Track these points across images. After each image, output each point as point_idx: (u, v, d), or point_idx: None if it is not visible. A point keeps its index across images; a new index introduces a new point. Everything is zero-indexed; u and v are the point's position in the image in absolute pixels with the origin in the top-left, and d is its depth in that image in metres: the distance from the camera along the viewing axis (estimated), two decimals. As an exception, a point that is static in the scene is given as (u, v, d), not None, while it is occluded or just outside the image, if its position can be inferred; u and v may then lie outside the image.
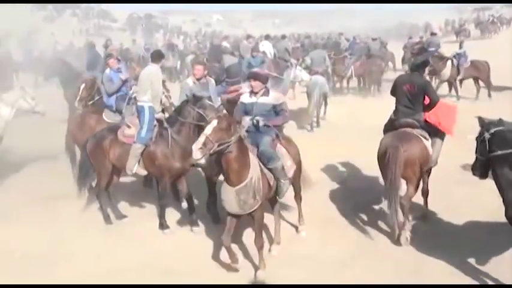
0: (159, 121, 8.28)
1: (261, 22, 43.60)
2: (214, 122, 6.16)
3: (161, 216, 8.32)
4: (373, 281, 6.64)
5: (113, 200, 8.90)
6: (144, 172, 8.24)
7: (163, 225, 8.27)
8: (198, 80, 8.68)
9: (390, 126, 8.03)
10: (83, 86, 10.63)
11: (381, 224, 8.24)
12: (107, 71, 10.25)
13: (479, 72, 17.82)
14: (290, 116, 9.45)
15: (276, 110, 7.23)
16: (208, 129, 6.12)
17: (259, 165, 6.70)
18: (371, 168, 8.70)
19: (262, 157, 6.82)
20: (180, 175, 8.31)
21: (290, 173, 7.22)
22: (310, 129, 14.54)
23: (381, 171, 7.77)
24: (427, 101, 7.83)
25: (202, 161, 6.11)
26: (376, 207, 8.86)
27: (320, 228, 8.12)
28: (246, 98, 7.32)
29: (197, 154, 5.99)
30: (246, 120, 7.08)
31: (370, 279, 6.71)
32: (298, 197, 8.01)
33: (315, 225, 8.17)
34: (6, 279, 6.74)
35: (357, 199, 9.22)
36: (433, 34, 21.06)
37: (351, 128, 13.83)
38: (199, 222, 8.37)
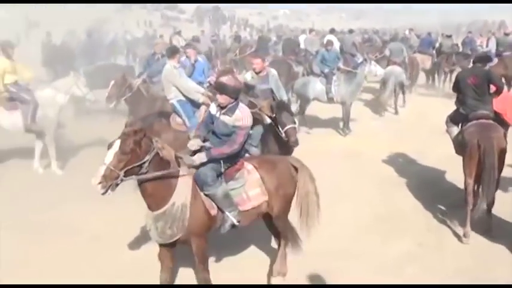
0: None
1: (328, 16, 43.30)
2: (116, 145, 5.04)
3: None
4: (431, 279, 6.39)
5: None
6: None
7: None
8: (257, 73, 8.62)
9: (459, 119, 7.88)
10: (112, 83, 10.73)
11: (447, 220, 7.95)
12: (183, 59, 10.27)
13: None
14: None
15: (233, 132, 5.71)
16: (109, 157, 5.03)
17: (196, 188, 5.58)
18: (438, 163, 8.41)
19: (197, 181, 5.60)
20: None
21: (249, 204, 5.84)
22: (382, 114, 15.19)
23: (466, 163, 7.45)
24: (492, 89, 7.69)
25: (108, 193, 5.04)
26: (443, 203, 8.54)
27: (384, 223, 7.90)
28: (212, 108, 5.97)
29: (99, 189, 4.98)
30: (193, 143, 5.83)
31: (428, 277, 6.44)
32: (280, 238, 6.42)
33: (378, 220, 7.96)
34: (77, 259, 6.78)
35: (423, 194, 8.93)
36: (506, 34, 20.15)
37: (420, 123, 13.64)
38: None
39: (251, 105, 7.76)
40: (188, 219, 5.41)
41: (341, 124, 13.45)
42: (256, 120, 7.87)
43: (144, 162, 5.14)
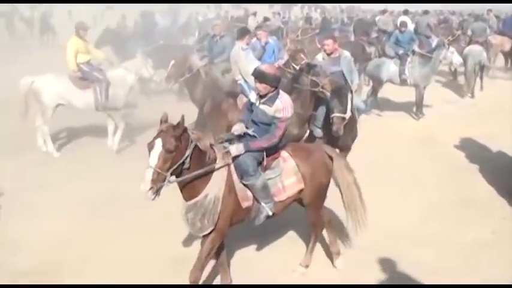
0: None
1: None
2: (158, 145, 4.76)
3: None
4: (504, 268, 6.17)
5: None
6: None
7: None
8: (328, 54, 8.50)
9: None
10: (172, 63, 10.77)
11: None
12: (254, 41, 10.28)
13: None
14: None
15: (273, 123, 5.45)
16: (153, 158, 4.75)
17: (231, 179, 5.34)
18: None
19: (236, 169, 5.39)
20: (297, 141, 8.22)
21: (284, 194, 5.60)
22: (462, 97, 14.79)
23: None
24: None
25: (156, 199, 4.82)
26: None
27: (456, 209, 7.70)
28: (253, 95, 5.92)
29: (149, 195, 4.73)
30: (238, 129, 5.59)
31: (502, 266, 6.20)
32: (313, 228, 6.15)
33: (450, 206, 7.75)
34: (149, 234, 6.95)
35: (497, 181, 8.56)
36: None
37: (496, 108, 13.11)
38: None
39: (313, 84, 7.73)
40: (219, 213, 5.19)
41: (414, 108, 13.14)
42: (320, 100, 7.85)
43: (186, 158, 4.92)
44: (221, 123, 8.64)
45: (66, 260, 6.40)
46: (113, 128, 10.65)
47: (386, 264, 6.23)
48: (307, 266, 6.17)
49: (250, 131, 5.48)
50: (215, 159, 5.23)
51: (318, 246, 6.48)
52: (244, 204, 5.39)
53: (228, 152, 5.32)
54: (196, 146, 4.99)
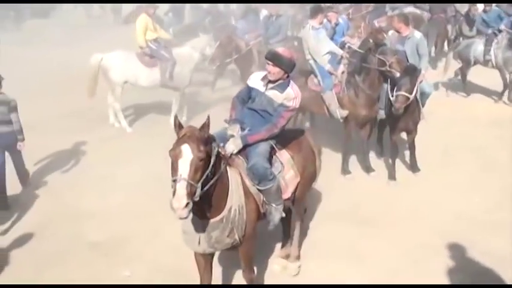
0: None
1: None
2: (187, 152, 4.08)
3: (344, 160, 8.34)
4: None
5: None
6: (345, 113, 8.18)
7: (345, 171, 8.30)
8: (400, 32, 8.36)
9: None
10: (217, 43, 10.66)
11: None
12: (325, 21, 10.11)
13: None
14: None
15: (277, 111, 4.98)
16: (184, 169, 4.05)
17: (245, 184, 4.80)
18: None
19: (252, 174, 4.84)
20: (365, 122, 8.29)
21: (288, 191, 5.20)
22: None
23: None
24: None
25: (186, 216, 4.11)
26: None
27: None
28: (254, 80, 5.17)
29: (184, 214, 4.01)
30: (234, 128, 5.00)
31: None
32: (296, 218, 5.77)
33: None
34: None
35: None
36: None
37: None
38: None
39: (380, 63, 7.59)
40: (245, 222, 4.70)
41: (505, 91, 12.39)
42: (386, 80, 7.70)
43: (213, 166, 4.29)
44: None
45: (137, 232, 6.60)
46: (177, 106, 10.80)
47: (456, 250, 6.07)
48: (298, 258, 5.86)
49: (246, 131, 4.98)
50: (227, 165, 4.67)
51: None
52: (262, 206, 4.95)
53: (233, 159, 4.82)
54: (218, 150, 4.45)
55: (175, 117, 4.35)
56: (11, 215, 7.15)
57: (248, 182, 4.82)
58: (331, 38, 9.51)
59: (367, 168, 8.38)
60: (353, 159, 8.68)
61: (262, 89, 5.01)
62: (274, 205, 5.00)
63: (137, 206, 7.20)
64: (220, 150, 4.50)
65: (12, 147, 7.51)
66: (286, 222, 5.78)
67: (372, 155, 8.77)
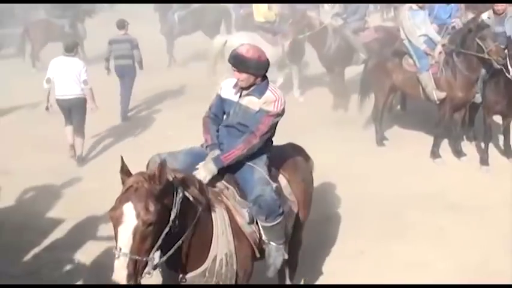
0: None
1: None
2: (130, 215, 3.00)
3: (434, 144, 8.10)
4: None
5: (382, 122, 8.92)
6: (443, 95, 7.95)
7: (435, 154, 8.05)
8: (498, 14, 7.95)
9: None
10: (290, 21, 10.69)
11: None
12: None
13: None
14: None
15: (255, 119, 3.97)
16: (124, 239, 2.99)
17: (236, 223, 3.82)
18: None
19: (258, 208, 3.87)
20: (461, 105, 8.01)
21: (287, 226, 4.22)
22: None
23: None
24: None
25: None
26: None
27: None
28: (226, 89, 4.16)
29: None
30: (214, 154, 3.96)
31: None
32: (295, 248, 4.76)
33: None
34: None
35: None
36: None
37: None
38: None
39: (478, 49, 7.33)
40: (236, 272, 3.75)
41: None
42: (483, 65, 7.49)
43: (175, 219, 3.24)
44: (385, 83, 8.56)
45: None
46: (298, 79, 11.17)
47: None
48: None
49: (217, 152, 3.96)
50: (209, 204, 3.65)
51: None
52: (257, 248, 3.98)
53: (220, 190, 3.89)
54: (185, 197, 3.36)
55: (122, 161, 3.23)
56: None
57: (240, 220, 3.85)
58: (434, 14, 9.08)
59: (458, 153, 8.11)
60: (443, 143, 8.41)
61: (235, 98, 4.05)
62: (275, 244, 4.05)
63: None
64: (190, 193, 3.43)
65: (130, 77, 10.09)
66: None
67: (464, 140, 8.51)
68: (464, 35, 7.70)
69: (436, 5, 8.81)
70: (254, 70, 3.88)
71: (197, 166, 3.88)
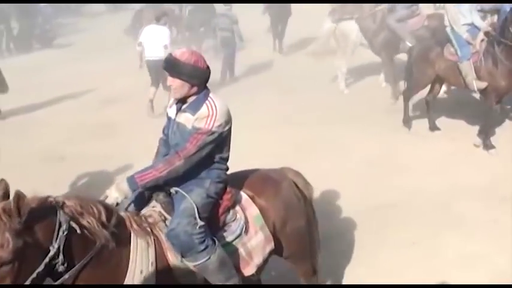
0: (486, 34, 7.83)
1: None
2: None
3: (487, 135, 7.94)
4: None
5: (431, 111, 8.79)
6: (483, 85, 7.81)
7: (488, 146, 7.86)
8: None
9: None
10: (330, 10, 10.86)
11: None
12: None
13: None
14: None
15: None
16: None
17: (167, 260, 3.38)
18: None
19: (170, 246, 3.38)
20: (505, 94, 7.93)
21: (252, 264, 3.69)
22: None
23: None
24: None
25: None
26: None
27: None
28: (171, 106, 3.71)
29: None
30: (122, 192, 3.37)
31: None
32: (309, 280, 4.31)
33: None
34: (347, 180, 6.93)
35: None
36: None
37: None
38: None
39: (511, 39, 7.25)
40: None
41: None
42: None
43: (55, 256, 2.84)
44: (427, 72, 8.44)
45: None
46: (344, 72, 11.21)
47: None
48: None
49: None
50: (121, 236, 3.16)
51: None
52: None
53: (154, 222, 3.42)
54: (72, 228, 2.92)
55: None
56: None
57: (172, 257, 3.38)
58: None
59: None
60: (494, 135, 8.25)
61: (174, 115, 3.59)
62: (222, 284, 3.51)
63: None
64: (83, 225, 2.97)
65: (232, 47, 12.18)
66: None
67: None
68: (503, 25, 7.56)
69: None
70: (187, 77, 3.38)
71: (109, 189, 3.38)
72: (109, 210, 3.18)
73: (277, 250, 3.92)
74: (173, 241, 3.33)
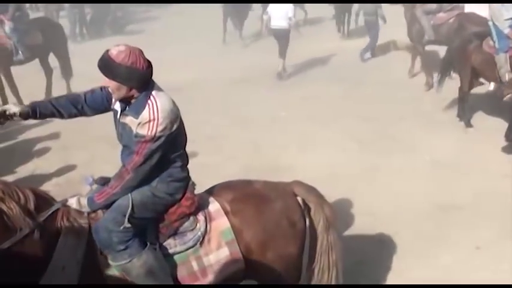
0: None
1: None
2: None
3: (509, 127, 7.65)
4: None
5: (466, 106, 8.66)
6: None
7: (508, 138, 7.62)
8: None
9: None
10: None
11: None
12: None
13: None
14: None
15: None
16: None
17: (97, 260, 3.24)
18: None
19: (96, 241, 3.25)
20: None
21: (205, 280, 3.40)
22: None
23: None
24: None
25: None
26: None
27: None
28: (115, 104, 3.42)
29: None
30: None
31: None
32: None
33: None
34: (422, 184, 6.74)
35: None
36: None
37: None
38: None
39: None
40: None
41: None
42: None
43: None
44: (466, 65, 8.37)
45: (337, 191, 6.62)
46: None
47: None
48: None
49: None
50: (54, 227, 3.10)
51: None
52: None
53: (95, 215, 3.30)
54: None
55: None
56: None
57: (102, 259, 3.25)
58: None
59: None
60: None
61: (118, 114, 3.35)
62: None
63: (335, 166, 7.22)
64: (1, 206, 2.92)
65: (376, 29, 12.72)
66: None
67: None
68: None
69: None
70: (123, 79, 3.11)
71: (72, 197, 3.31)
72: (43, 199, 3.11)
73: (254, 275, 3.58)
74: (94, 236, 3.20)
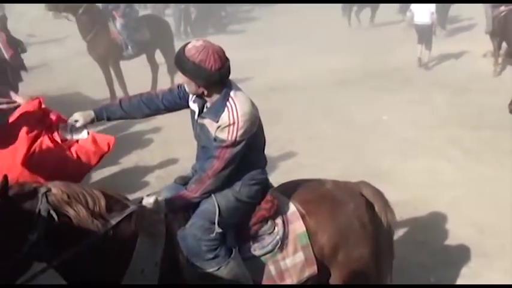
0: None
1: None
2: None
3: None
4: None
5: None
6: None
7: None
8: None
9: None
10: None
11: None
12: None
13: None
14: None
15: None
16: None
17: (177, 258, 3.16)
18: None
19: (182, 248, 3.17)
20: None
21: (282, 282, 3.32)
22: None
23: None
24: None
25: None
26: None
27: None
28: (192, 102, 3.32)
29: None
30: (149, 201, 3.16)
31: None
32: None
33: None
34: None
35: None
36: None
37: None
38: None
39: None
40: None
41: None
42: None
43: (35, 245, 2.70)
44: None
45: (438, 199, 6.39)
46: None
47: None
48: None
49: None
50: (130, 229, 3.01)
51: None
52: None
53: (172, 218, 3.21)
54: (52, 218, 2.75)
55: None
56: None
57: (183, 259, 3.17)
58: None
59: None
60: None
61: (196, 114, 3.26)
62: None
63: (437, 172, 6.99)
64: (70, 214, 2.83)
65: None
66: None
67: None
68: None
69: None
70: (190, 75, 3.02)
71: (148, 196, 3.23)
72: (114, 200, 3.04)
73: (323, 278, 3.47)
74: (180, 242, 3.14)
